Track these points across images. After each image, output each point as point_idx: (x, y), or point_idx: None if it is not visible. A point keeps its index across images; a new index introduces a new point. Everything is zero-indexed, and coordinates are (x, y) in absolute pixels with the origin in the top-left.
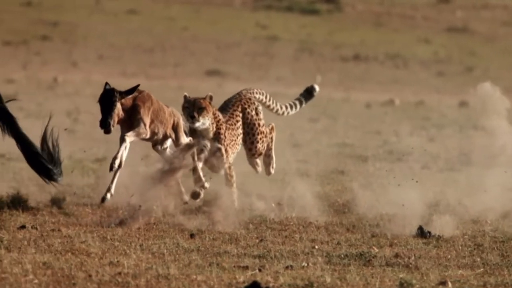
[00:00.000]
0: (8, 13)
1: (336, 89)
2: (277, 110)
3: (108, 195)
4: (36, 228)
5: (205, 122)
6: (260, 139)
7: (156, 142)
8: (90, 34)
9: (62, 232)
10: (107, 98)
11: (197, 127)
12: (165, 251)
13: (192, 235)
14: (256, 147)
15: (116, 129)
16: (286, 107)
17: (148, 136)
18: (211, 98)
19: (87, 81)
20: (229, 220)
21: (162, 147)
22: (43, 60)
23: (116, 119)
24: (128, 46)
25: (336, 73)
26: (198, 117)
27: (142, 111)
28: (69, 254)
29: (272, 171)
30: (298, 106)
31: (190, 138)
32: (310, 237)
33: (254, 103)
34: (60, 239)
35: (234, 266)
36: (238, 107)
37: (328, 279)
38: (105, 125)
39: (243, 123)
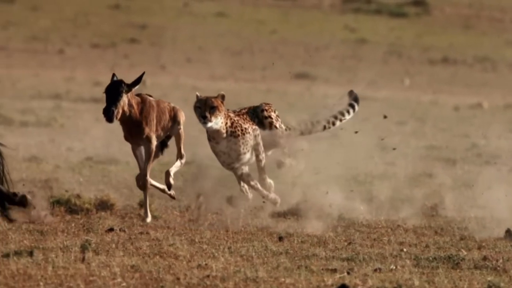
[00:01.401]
0: (96, 16)
1: (425, 92)
2: (316, 130)
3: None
4: (124, 231)
5: (217, 122)
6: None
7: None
8: (178, 36)
9: (150, 235)
10: (114, 89)
11: (209, 127)
12: (253, 254)
13: (280, 238)
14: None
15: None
16: (330, 120)
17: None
18: (223, 97)
19: (175, 84)
20: (318, 222)
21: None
22: (131, 63)
23: (120, 110)
24: (216, 49)
25: (425, 76)
26: (210, 117)
27: (148, 128)
28: (157, 257)
29: (285, 161)
30: (347, 115)
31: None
32: (399, 240)
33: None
34: (148, 242)
35: (322, 269)
36: (249, 108)
37: (417, 282)
38: (108, 113)
39: (259, 121)
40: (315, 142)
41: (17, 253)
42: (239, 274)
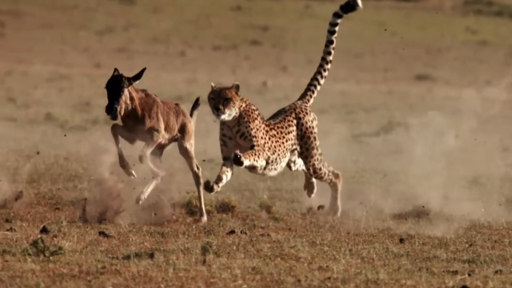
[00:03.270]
0: (218, 18)
1: None
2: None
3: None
4: (245, 233)
5: (231, 113)
6: (315, 154)
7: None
8: (299, 38)
9: (271, 237)
10: (115, 84)
11: (222, 119)
12: (374, 256)
13: (401, 240)
14: (310, 162)
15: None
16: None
17: (164, 140)
18: (237, 87)
19: (296, 85)
20: (439, 224)
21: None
22: (252, 64)
23: (123, 105)
24: (338, 51)
25: None
26: (224, 109)
27: (150, 121)
28: (278, 259)
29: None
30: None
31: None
32: None
33: (310, 114)
34: (269, 244)
35: (443, 271)
36: (291, 113)
37: None
38: (111, 110)
39: (298, 133)
40: (435, 143)
41: (138, 255)
42: (360, 276)
